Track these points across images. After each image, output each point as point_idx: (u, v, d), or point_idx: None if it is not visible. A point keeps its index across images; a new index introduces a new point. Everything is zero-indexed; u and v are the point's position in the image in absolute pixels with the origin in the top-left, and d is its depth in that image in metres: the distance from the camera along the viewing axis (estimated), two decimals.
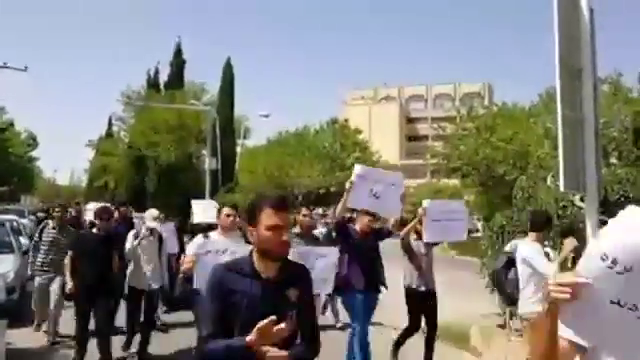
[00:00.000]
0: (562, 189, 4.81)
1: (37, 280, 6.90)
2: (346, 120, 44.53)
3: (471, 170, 25.83)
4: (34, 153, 50.49)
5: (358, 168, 5.21)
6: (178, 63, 37.94)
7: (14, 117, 43.63)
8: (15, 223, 12.49)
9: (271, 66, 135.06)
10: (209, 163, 25.97)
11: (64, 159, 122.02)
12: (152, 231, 6.42)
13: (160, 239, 6.56)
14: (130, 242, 6.37)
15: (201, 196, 26.04)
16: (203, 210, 8.85)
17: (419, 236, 6.01)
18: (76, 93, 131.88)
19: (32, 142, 49.68)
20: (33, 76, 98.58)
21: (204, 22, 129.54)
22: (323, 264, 4.83)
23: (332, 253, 5.06)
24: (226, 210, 4.92)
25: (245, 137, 37.61)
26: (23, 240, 10.93)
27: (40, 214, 19.54)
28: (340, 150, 40.05)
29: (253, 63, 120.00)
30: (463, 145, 27.08)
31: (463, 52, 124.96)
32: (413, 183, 63.89)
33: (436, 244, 6.34)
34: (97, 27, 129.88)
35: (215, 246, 4.52)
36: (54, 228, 6.90)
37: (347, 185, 5.05)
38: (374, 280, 5.66)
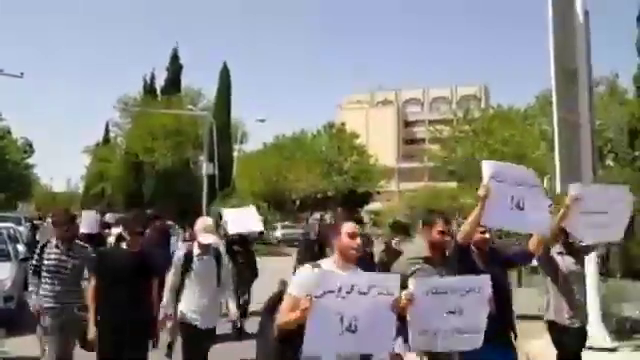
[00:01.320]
0: (558, 191, 4.81)
1: (47, 321, 4.75)
2: (343, 124, 44.56)
3: (468, 173, 25.89)
4: (30, 160, 50.36)
5: (489, 166, 3.60)
6: (175, 68, 37.92)
7: (10, 124, 43.57)
8: (12, 230, 12.41)
9: (267, 71, 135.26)
10: (206, 168, 25.92)
11: (61, 166, 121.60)
12: (206, 249, 4.71)
13: (218, 259, 4.78)
14: (176, 266, 4.71)
15: (198, 201, 26.09)
16: (239, 218, 7.79)
17: (567, 248, 4.46)
18: (72, 99, 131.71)
19: (28, 149, 49.56)
20: (29, 82, 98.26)
21: (200, 28, 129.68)
22: (473, 303, 2.99)
23: (484, 283, 3.06)
24: (351, 228, 2.97)
25: (242, 142, 37.63)
26: (20, 248, 10.87)
27: (37, 222, 19.36)
28: (337, 154, 40.06)
29: (250, 68, 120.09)
30: (460, 148, 27.17)
31: (460, 55, 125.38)
32: (410, 186, 64.04)
33: (586, 252, 4.78)
34: (93, 33, 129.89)
35: (336, 282, 2.67)
36: (57, 247, 4.83)
37: (481, 192, 3.50)
38: (506, 328, 3.80)
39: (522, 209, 3.59)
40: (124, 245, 4.49)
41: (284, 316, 2.79)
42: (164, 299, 4.63)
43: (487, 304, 3.02)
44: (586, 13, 5.16)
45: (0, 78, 25.69)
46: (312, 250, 8.04)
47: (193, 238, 5.39)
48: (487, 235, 3.81)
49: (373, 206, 48.02)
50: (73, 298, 4.77)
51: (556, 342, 4.47)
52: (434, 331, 2.92)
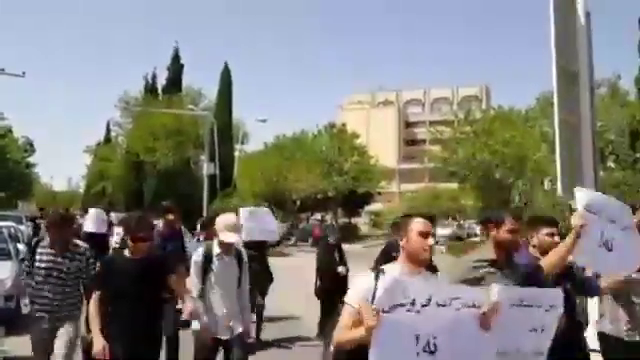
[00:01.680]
0: (560, 193, 4.81)
1: (34, 330, 4.32)
2: (344, 124, 44.55)
3: (469, 174, 25.89)
4: (31, 159, 50.41)
5: (583, 194, 3.20)
6: (176, 68, 37.97)
7: (11, 123, 43.62)
8: (13, 229, 12.43)
9: (268, 71, 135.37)
10: (207, 168, 25.95)
11: (61, 165, 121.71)
12: (228, 249, 4.23)
13: (240, 260, 4.30)
14: (197, 266, 4.21)
15: (199, 201, 26.08)
16: (255, 225, 7.23)
17: None
18: (73, 99, 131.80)
19: (29, 148, 49.61)
20: (30, 82, 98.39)
21: (201, 27, 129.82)
22: (554, 321, 2.54)
23: (557, 297, 2.59)
24: (423, 225, 2.52)
25: (243, 142, 37.61)
26: (21, 247, 10.88)
27: (39, 221, 19.26)
28: (338, 154, 40.05)
29: (251, 68, 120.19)
30: (461, 149, 27.17)
31: (460, 55, 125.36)
32: (411, 187, 64.04)
33: None
34: (94, 33, 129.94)
35: (408, 293, 2.14)
36: (52, 248, 4.29)
37: (576, 221, 3.05)
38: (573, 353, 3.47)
39: (610, 250, 3.16)
40: (127, 252, 3.91)
41: (344, 334, 2.31)
42: (189, 296, 4.06)
43: (555, 324, 2.55)
44: (588, 14, 5.15)
45: (1, 77, 25.77)
46: (332, 254, 7.74)
47: (209, 237, 5.15)
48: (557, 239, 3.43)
49: (373, 207, 48.01)
50: (69, 304, 4.27)
51: (608, 355, 3.97)
52: (515, 351, 2.45)
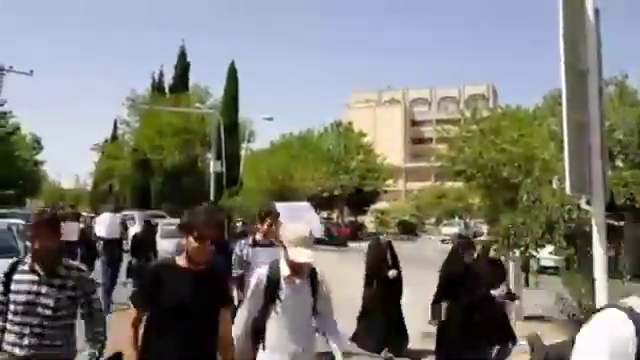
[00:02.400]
0: (568, 192, 4.77)
1: None
2: (350, 123, 44.52)
3: (476, 173, 25.75)
4: (39, 157, 50.74)
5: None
6: (182, 66, 38.06)
7: (19, 120, 43.91)
8: (21, 227, 12.50)
9: (275, 69, 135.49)
10: (214, 166, 26.00)
11: (69, 163, 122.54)
12: (300, 270, 3.16)
13: (314, 282, 3.23)
14: (257, 291, 3.16)
15: (205, 199, 26.12)
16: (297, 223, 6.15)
17: None
18: (81, 96, 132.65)
19: (37, 146, 49.93)
20: (38, 79, 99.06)
21: (208, 26, 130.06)
22: None
23: None
24: None
25: (250, 140, 37.68)
26: (29, 244, 10.97)
27: None
28: (344, 153, 40.03)
29: (257, 66, 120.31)
30: (468, 148, 27.03)
31: (467, 54, 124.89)
32: (417, 186, 63.92)
33: None
34: (102, 31, 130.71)
35: None
36: (34, 271, 2.98)
37: None
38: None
39: None
40: (181, 260, 2.90)
41: None
42: (236, 335, 3.11)
43: None
44: (597, 11, 5.11)
45: (9, 75, 25.97)
46: (384, 256, 6.73)
47: (247, 233, 4.99)
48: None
49: (379, 205, 47.96)
50: (56, 350, 2.96)
51: None
52: None
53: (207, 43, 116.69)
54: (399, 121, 79.79)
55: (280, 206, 6.50)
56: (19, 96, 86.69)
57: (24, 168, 43.67)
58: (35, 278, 2.95)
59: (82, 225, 10.81)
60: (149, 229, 10.06)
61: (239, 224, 10.65)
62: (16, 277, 2.98)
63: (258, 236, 4.83)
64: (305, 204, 7.76)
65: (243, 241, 4.93)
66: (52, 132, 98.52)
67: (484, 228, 27.31)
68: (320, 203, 38.52)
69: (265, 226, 4.79)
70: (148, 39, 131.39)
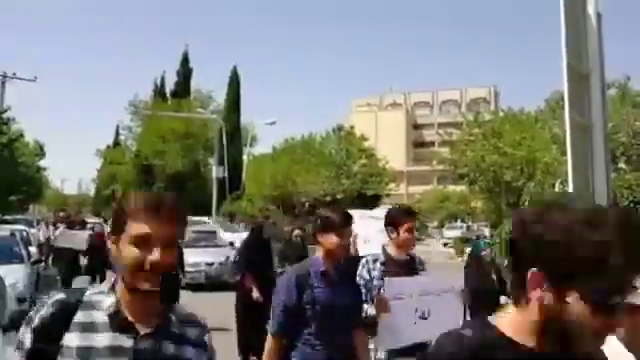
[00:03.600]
0: None
1: None
2: (352, 127, 44.53)
3: (478, 176, 25.73)
4: (42, 163, 50.85)
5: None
6: (185, 72, 38.20)
7: (22, 127, 44.01)
8: (25, 233, 12.55)
9: (277, 74, 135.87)
10: (216, 171, 26.07)
11: (72, 168, 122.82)
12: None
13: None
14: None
15: (208, 204, 26.17)
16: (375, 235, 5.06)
17: None
18: (83, 102, 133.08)
19: (40, 152, 50.05)
20: (41, 85, 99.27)
21: (211, 31, 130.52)
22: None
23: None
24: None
25: (252, 145, 37.74)
26: (32, 250, 10.99)
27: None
28: (346, 157, 40.03)
29: (259, 71, 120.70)
30: (470, 151, 27.03)
31: (469, 57, 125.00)
32: (420, 190, 63.88)
33: None
34: (104, 37, 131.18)
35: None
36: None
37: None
38: None
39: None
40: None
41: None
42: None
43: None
44: (599, 15, 5.13)
45: (13, 81, 26.08)
46: (489, 276, 6.14)
47: None
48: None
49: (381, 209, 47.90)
50: None
51: None
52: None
53: (209, 48, 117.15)
54: (401, 125, 79.78)
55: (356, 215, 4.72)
56: (22, 102, 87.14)
57: (27, 174, 43.77)
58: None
59: (91, 232, 10.65)
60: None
61: (296, 231, 8.06)
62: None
63: (390, 249, 3.28)
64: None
65: (370, 257, 3.34)
66: (55, 138, 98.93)
67: (487, 231, 27.27)
68: (322, 207, 38.52)
69: (403, 232, 3.20)
70: (150, 45, 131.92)
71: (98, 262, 10.17)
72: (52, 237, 11.48)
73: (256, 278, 6.36)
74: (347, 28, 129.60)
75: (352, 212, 3.11)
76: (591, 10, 4.80)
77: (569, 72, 4.53)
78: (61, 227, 10.50)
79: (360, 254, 4.74)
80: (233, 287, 7.16)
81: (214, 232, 15.69)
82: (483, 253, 4.67)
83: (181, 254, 7.57)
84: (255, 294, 6.28)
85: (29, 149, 45.96)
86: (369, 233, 5.24)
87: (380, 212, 5.25)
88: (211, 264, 12.59)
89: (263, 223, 7.68)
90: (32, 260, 9.19)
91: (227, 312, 6.83)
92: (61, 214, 13.44)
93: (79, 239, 9.75)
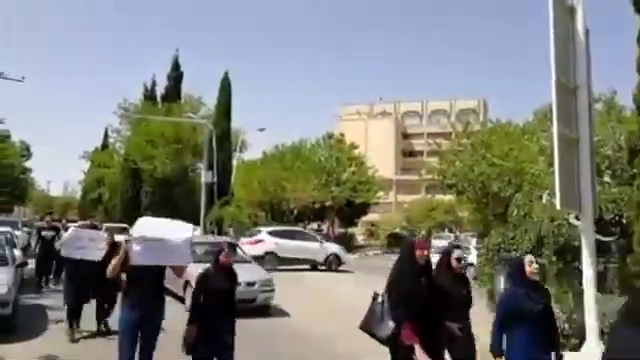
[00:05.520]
0: (558, 207, 4.83)
1: None
2: (342, 135, 44.65)
3: (466, 187, 25.89)
4: (28, 163, 50.28)
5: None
6: (176, 76, 38.07)
7: (8, 127, 43.52)
8: (9, 235, 12.38)
9: (268, 81, 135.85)
10: (205, 176, 25.95)
11: (58, 170, 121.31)
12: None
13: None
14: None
15: (196, 209, 26.03)
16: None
17: None
18: (72, 104, 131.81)
19: (26, 152, 49.49)
20: (28, 85, 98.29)
21: (202, 36, 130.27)
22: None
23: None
24: None
25: (241, 151, 37.65)
26: (17, 252, 10.84)
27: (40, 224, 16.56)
28: (336, 165, 40.07)
29: (250, 77, 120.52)
30: (458, 161, 27.22)
31: (459, 68, 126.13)
32: (408, 199, 64.09)
33: None
34: (94, 39, 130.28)
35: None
36: None
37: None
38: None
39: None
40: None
41: None
42: None
43: None
44: (587, 31, 5.23)
45: (1, 82, 25.82)
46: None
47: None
48: None
49: (370, 217, 47.96)
50: None
51: None
52: None
53: (201, 54, 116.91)
54: (390, 134, 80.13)
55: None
56: (9, 101, 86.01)
57: (11, 175, 43.21)
58: None
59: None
60: None
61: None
62: None
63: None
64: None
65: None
66: (41, 139, 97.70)
67: (473, 242, 27.41)
68: (311, 214, 38.48)
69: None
70: (141, 49, 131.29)
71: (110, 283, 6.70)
72: (57, 244, 10.01)
73: None
74: (338, 37, 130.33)
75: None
76: (579, 26, 4.89)
77: (557, 86, 4.61)
78: (71, 227, 9.13)
79: None
80: None
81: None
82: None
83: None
84: None
85: (15, 150, 45.43)
86: None
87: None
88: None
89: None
90: (17, 263, 9.06)
91: None
92: (47, 218, 12.90)
93: (98, 245, 7.62)
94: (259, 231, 19.54)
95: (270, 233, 19.50)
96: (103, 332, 7.84)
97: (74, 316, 7.76)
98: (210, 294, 4.63)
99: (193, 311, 4.64)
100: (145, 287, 4.77)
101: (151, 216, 6.08)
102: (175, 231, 4.89)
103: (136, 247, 4.62)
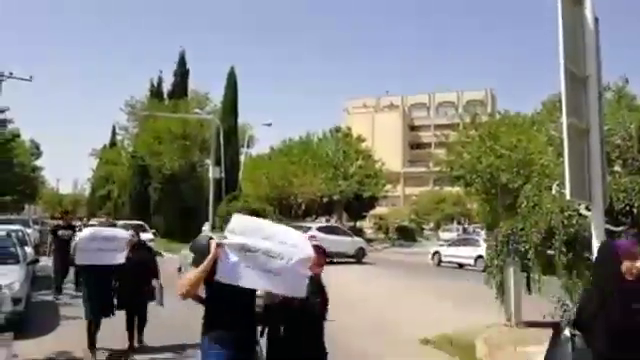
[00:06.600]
0: (568, 197, 4.78)
1: None
2: (349, 128, 44.55)
3: (474, 178, 25.78)
4: (38, 162, 50.66)
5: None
6: (182, 73, 38.11)
7: (18, 126, 43.83)
8: (20, 233, 12.50)
9: (274, 75, 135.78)
10: (213, 172, 25.99)
11: (67, 168, 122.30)
12: None
13: None
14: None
15: (204, 205, 26.09)
16: None
17: None
18: (80, 102, 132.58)
19: (36, 151, 49.86)
20: (37, 85, 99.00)
21: (208, 32, 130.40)
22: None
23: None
24: None
25: (249, 146, 37.69)
26: (28, 250, 10.94)
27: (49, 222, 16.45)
28: (343, 158, 40.01)
29: (256, 72, 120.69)
30: (466, 153, 27.11)
31: (466, 59, 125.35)
32: (416, 191, 63.95)
33: None
34: (101, 37, 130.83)
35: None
36: None
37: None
38: None
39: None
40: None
41: None
42: None
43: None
44: (596, 20, 5.15)
45: (10, 81, 26.02)
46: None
47: None
48: None
49: (378, 210, 47.95)
50: None
51: None
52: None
53: (207, 49, 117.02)
54: (398, 126, 79.88)
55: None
56: (18, 101, 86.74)
57: (22, 174, 43.58)
58: None
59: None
60: None
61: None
62: None
63: None
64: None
65: None
66: (51, 137, 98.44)
67: (482, 233, 27.32)
68: (319, 209, 38.50)
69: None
70: (148, 46, 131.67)
71: (134, 291, 6.75)
72: (72, 249, 7.87)
73: None
74: (345, 29, 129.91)
75: None
76: (588, 15, 4.82)
77: (566, 76, 4.55)
78: (88, 226, 8.48)
79: None
80: None
81: None
82: None
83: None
84: None
85: (25, 149, 45.77)
86: None
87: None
88: None
89: None
90: (28, 261, 9.15)
91: None
92: (58, 216, 11.95)
93: (117, 245, 6.69)
94: (309, 228, 20.80)
95: (319, 229, 21.29)
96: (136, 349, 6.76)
97: (95, 331, 6.51)
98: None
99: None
100: (237, 314, 3.34)
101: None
102: (287, 245, 3.31)
103: (232, 258, 3.17)
